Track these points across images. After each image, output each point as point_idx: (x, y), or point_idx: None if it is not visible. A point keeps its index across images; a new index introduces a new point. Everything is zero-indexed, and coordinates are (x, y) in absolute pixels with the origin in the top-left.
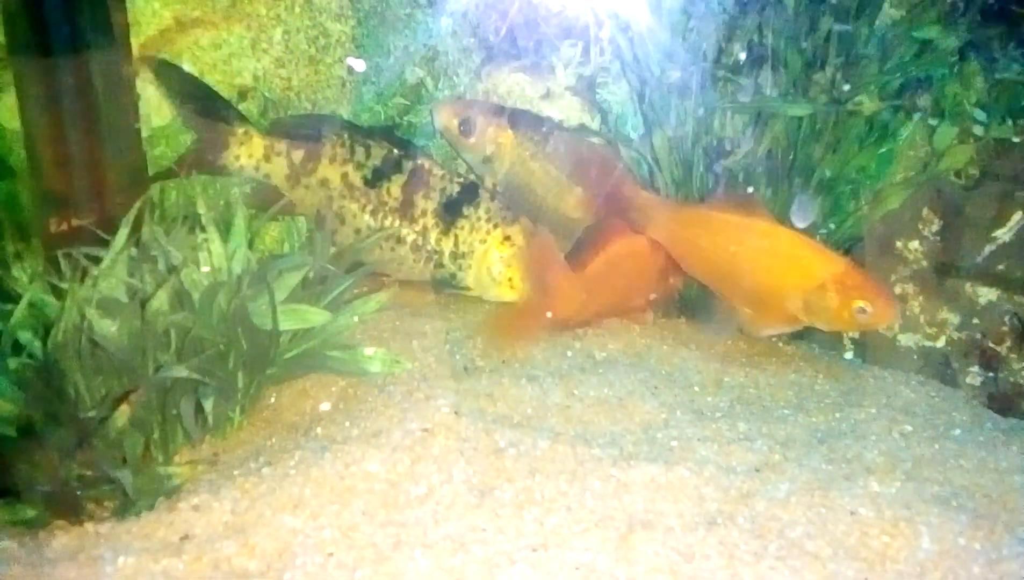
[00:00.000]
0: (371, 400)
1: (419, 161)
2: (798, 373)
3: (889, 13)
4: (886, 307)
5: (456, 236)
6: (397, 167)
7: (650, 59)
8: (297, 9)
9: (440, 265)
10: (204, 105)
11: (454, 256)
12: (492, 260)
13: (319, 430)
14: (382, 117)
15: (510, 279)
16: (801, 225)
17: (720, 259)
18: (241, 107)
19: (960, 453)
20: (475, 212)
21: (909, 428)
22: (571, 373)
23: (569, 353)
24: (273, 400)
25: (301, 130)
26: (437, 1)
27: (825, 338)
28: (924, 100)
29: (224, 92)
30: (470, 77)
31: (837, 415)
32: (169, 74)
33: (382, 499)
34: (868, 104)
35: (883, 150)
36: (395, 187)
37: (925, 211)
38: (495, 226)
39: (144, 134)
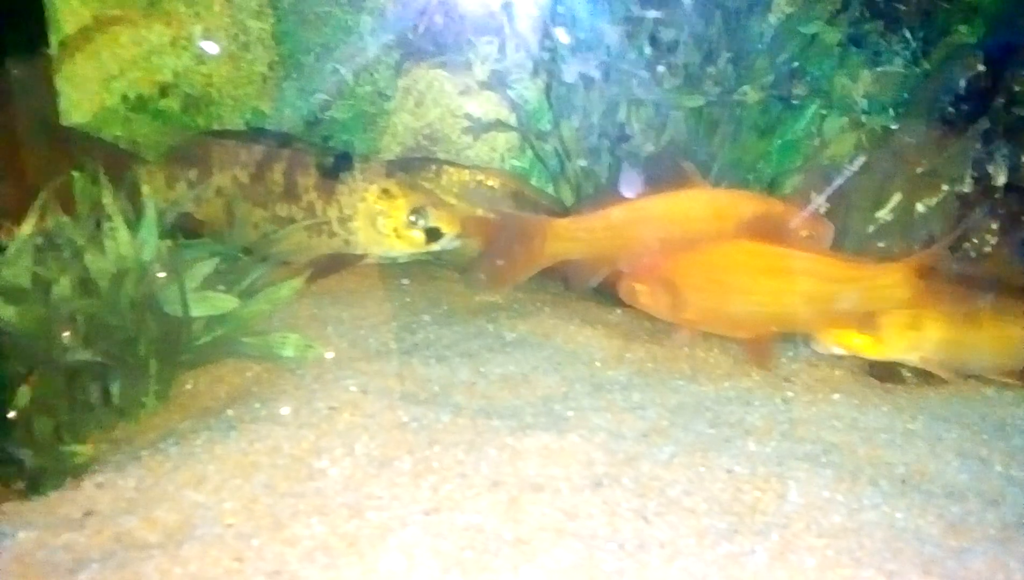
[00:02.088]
0: (282, 383)
1: (295, 146)
2: (695, 347)
3: (783, 8)
4: (824, 231)
5: (339, 201)
6: (276, 156)
7: (557, 55)
8: (216, 7)
9: (332, 234)
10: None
11: (341, 221)
12: (374, 214)
13: (230, 412)
14: (304, 113)
15: (395, 229)
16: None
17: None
18: (162, 104)
19: (835, 415)
20: (351, 175)
21: (791, 394)
22: (480, 353)
23: (482, 335)
24: (190, 386)
25: (191, 150)
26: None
27: None
28: (801, 89)
29: (144, 89)
30: (389, 73)
31: (726, 384)
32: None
33: (285, 473)
34: (752, 94)
35: (785, 139)
36: (277, 174)
37: (812, 194)
38: (371, 183)
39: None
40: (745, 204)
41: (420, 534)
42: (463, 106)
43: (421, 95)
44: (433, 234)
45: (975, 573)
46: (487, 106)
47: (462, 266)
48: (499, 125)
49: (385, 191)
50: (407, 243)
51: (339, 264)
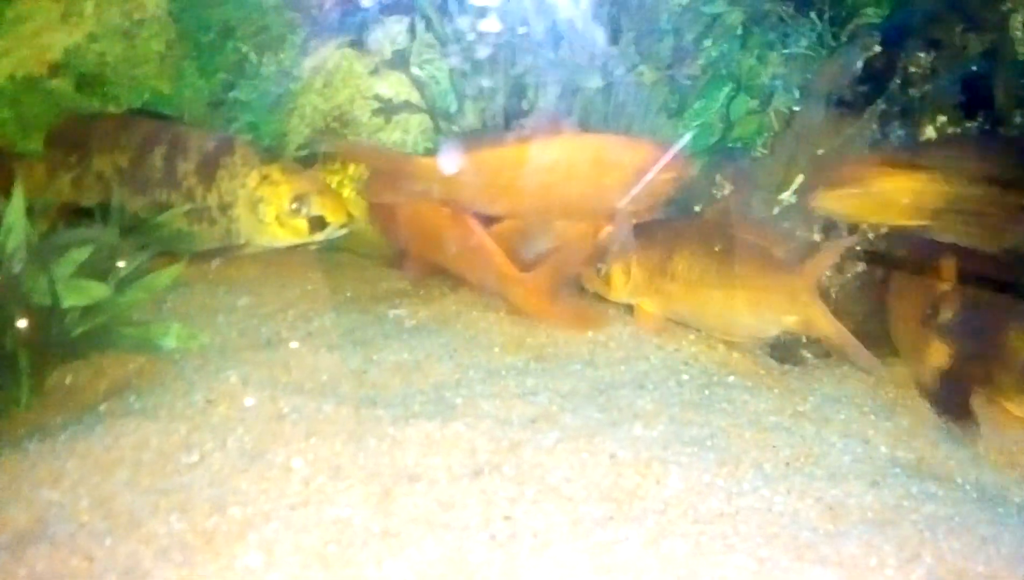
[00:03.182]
0: (163, 375)
1: (176, 129)
2: (597, 330)
3: None
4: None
5: (219, 187)
6: (156, 140)
7: (461, 35)
8: None
9: (212, 221)
10: None
11: (222, 208)
12: (254, 200)
13: (103, 407)
14: (206, 93)
15: (277, 217)
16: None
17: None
18: (53, 84)
19: (726, 398)
20: (231, 159)
21: (687, 377)
22: (375, 340)
23: (380, 322)
24: (70, 379)
25: (69, 135)
26: None
27: None
28: (695, 69)
29: (33, 68)
30: (295, 52)
31: (623, 368)
32: None
33: (149, 469)
34: (648, 75)
35: (699, 121)
36: (157, 159)
37: (718, 177)
38: (251, 168)
39: None
40: (617, 148)
41: (282, 529)
42: (373, 87)
43: (330, 75)
44: (317, 223)
45: (848, 557)
46: (398, 87)
47: (369, 253)
48: (409, 107)
49: (266, 177)
50: (290, 232)
51: (219, 253)
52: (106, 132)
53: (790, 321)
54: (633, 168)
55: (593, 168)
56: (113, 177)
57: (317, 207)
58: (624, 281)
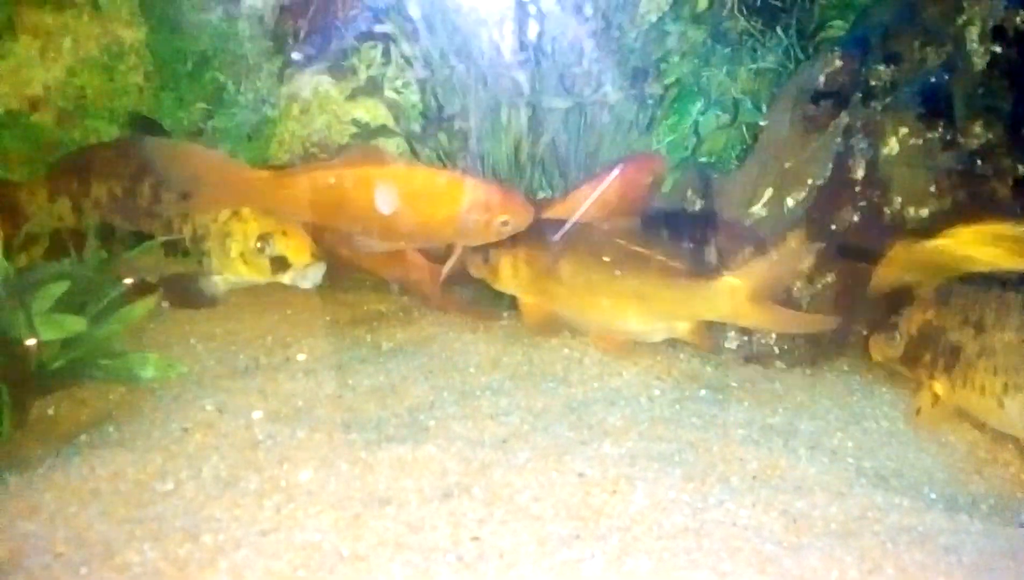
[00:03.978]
0: (141, 405)
1: None
2: (571, 348)
3: (659, 3)
4: (524, 214)
5: (194, 221)
6: (145, 170)
7: (432, 60)
8: (85, 16)
9: (186, 253)
10: None
11: (194, 241)
12: (223, 235)
13: (83, 437)
14: (185, 123)
15: (242, 254)
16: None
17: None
18: (34, 118)
19: (696, 412)
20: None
21: (658, 392)
22: (351, 364)
23: (357, 346)
24: (51, 411)
25: (74, 163)
26: (229, 5)
27: None
28: (655, 88)
29: (14, 104)
30: (272, 80)
31: (595, 385)
32: None
33: (125, 499)
34: (612, 94)
35: (671, 137)
36: (146, 187)
37: (689, 192)
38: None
39: None
40: (443, 183)
41: (253, 555)
42: (350, 112)
43: (307, 102)
44: (279, 263)
45: (810, 570)
46: (374, 111)
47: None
48: (385, 130)
49: (236, 213)
50: (254, 270)
51: (189, 288)
52: (106, 159)
53: (682, 327)
54: (458, 203)
55: (418, 200)
56: (107, 204)
57: (280, 248)
58: (511, 273)
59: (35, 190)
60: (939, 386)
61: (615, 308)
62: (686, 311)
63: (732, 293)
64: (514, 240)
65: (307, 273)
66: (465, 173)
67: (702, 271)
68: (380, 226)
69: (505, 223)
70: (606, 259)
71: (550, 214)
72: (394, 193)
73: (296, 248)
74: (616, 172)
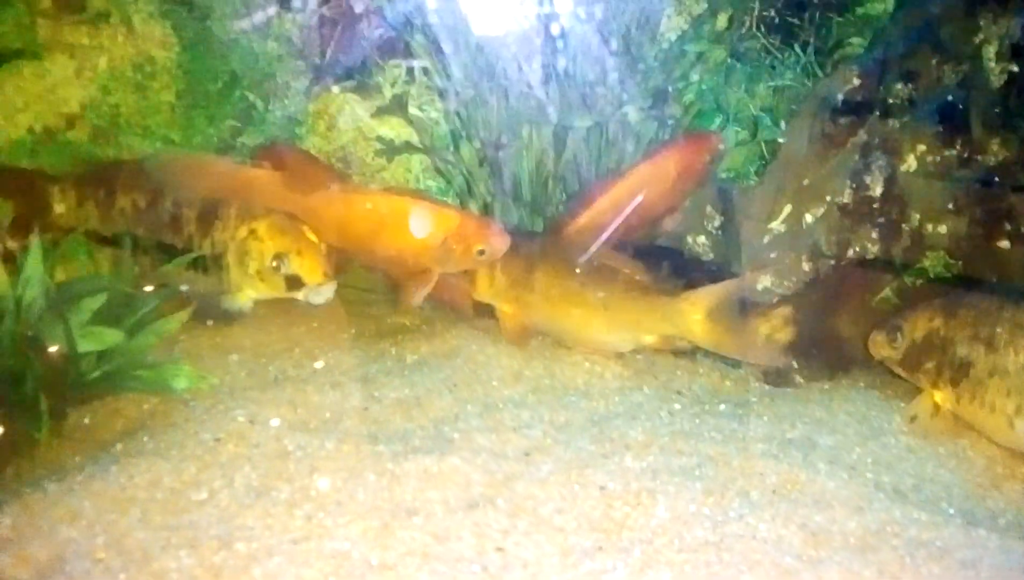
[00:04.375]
0: (175, 415)
1: None
2: (593, 362)
3: (677, 22)
4: (500, 243)
5: (213, 237)
6: (168, 186)
7: (456, 79)
8: (120, 37)
9: (206, 269)
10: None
11: (215, 259)
12: (241, 253)
13: (119, 446)
14: (215, 140)
15: (258, 272)
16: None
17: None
18: (70, 135)
19: (716, 426)
20: (228, 211)
21: (678, 406)
22: (377, 377)
23: (383, 359)
24: (88, 420)
25: (103, 173)
26: (261, 27)
27: None
28: (675, 109)
29: (51, 121)
30: (299, 98)
31: (616, 399)
32: None
33: (162, 506)
34: (633, 114)
35: None
36: (168, 202)
37: (708, 208)
38: (242, 222)
39: None
40: (424, 212)
41: (285, 563)
42: (375, 129)
43: (332, 119)
44: (294, 282)
45: None
46: (399, 128)
47: (371, 287)
48: (409, 147)
49: (253, 231)
50: (269, 287)
51: (211, 302)
52: (132, 173)
53: (649, 339)
54: (436, 231)
55: (397, 227)
56: (131, 215)
57: (294, 266)
58: (488, 283)
59: (66, 189)
60: (941, 396)
61: (583, 319)
62: (648, 325)
63: (689, 311)
64: None
65: (320, 291)
66: (445, 202)
67: (665, 288)
68: (361, 249)
69: (481, 252)
70: (578, 271)
71: (610, 192)
72: (376, 219)
73: (309, 268)
74: (674, 151)
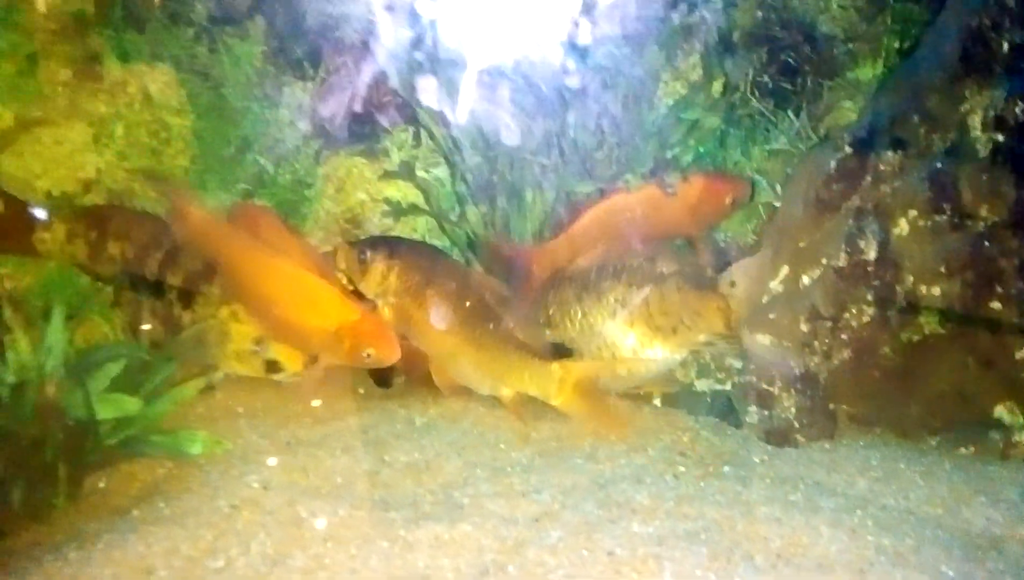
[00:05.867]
0: (190, 480)
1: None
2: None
3: (675, 88)
4: (389, 352)
5: (194, 310)
6: (158, 244)
7: (462, 145)
8: (137, 105)
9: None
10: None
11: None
12: (222, 334)
13: (136, 512)
14: (228, 203)
15: (236, 353)
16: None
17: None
18: (86, 199)
19: (720, 489)
20: (211, 287)
21: (683, 469)
22: (387, 440)
23: (392, 421)
24: (103, 484)
25: (96, 216)
26: (272, 96)
27: None
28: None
29: (68, 186)
30: (309, 162)
31: (622, 461)
32: None
33: (180, 575)
34: (632, 181)
35: None
36: (153, 263)
37: (708, 270)
38: (224, 302)
39: None
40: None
41: None
42: (382, 191)
43: (341, 181)
44: (272, 366)
45: None
46: (405, 190)
47: None
48: (415, 209)
49: (234, 313)
50: (248, 368)
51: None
52: (124, 221)
53: (505, 393)
54: (328, 321)
55: (298, 302)
56: (119, 262)
57: (275, 351)
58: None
59: (54, 224)
60: None
61: (453, 354)
62: (513, 380)
63: (560, 380)
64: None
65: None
66: (353, 296)
67: (539, 350)
68: (259, 312)
69: (369, 356)
70: (467, 304)
71: (635, 198)
72: (282, 289)
73: (290, 354)
74: (700, 179)
